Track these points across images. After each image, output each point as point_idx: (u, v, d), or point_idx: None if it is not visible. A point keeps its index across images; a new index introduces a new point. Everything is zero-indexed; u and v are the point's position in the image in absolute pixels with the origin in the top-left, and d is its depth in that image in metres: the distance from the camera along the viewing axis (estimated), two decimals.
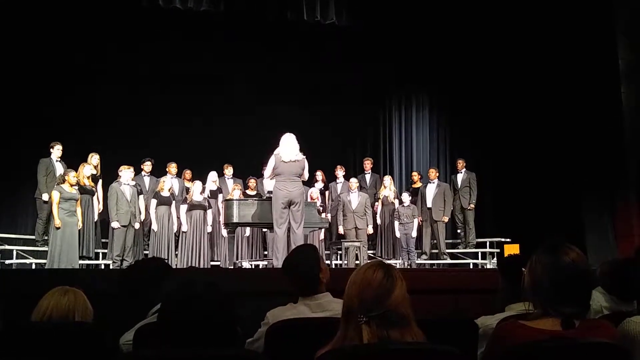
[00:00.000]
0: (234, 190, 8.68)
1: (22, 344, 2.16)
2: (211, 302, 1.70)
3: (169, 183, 8.57)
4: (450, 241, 9.84)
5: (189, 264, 8.13)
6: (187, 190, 8.85)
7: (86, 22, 8.95)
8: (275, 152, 6.48)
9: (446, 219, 9.30)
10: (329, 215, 9.08)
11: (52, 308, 2.33)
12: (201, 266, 8.12)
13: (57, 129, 8.89)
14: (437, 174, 9.56)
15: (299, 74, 10.46)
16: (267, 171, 6.61)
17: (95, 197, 8.16)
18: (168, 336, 1.68)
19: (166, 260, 2.90)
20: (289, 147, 6.46)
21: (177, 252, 8.44)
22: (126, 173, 8.15)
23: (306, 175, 6.75)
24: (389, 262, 2.29)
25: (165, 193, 8.42)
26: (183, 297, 1.71)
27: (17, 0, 8.29)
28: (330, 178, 9.82)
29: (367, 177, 10.00)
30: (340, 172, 9.75)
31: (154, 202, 8.37)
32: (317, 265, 2.60)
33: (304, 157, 6.56)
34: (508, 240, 8.87)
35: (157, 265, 2.80)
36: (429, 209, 9.26)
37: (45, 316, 2.31)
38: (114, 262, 7.90)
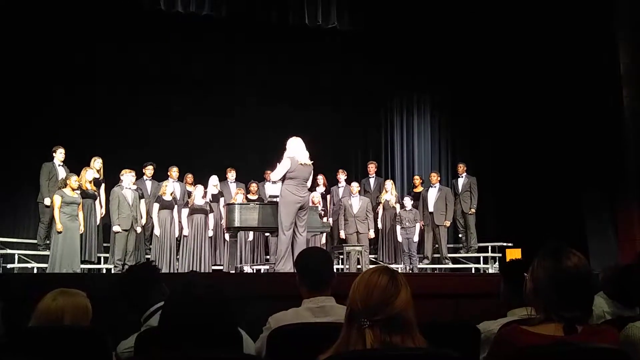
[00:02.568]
0: (237, 194, 8.68)
1: (23, 348, 2.16)
2: (212, 304, 1.70)
3: (171, 187, 8.57)
4: (452, 246, 9.83)
5: (191, 268, 8.12)
6: (189, 194, 8.85)
7: (88, 25, 8.97)
8: (289, 154, 6.34)
9: (448, 224, 9.29)
10: (330, 220, 9.07)
11: (43, 313, 2.32)
12: (203, 270, 8.11)
13: (59, 133, 8.89)
14: (439, 178, 9.56)
15: (301, 77, 10.48)
16: (279, 174, 6.35)
17: (97, 202, 8.17)
18: (170, 340, 1.68)
19: (154, 264, 2.93)
20: (303, 150, 6.39)
21: (178, 257, 8.44)
22: (128, 177, 8.16)
23: (310, 182, 6.73)
24: (390, 266, 2.29)
25: (168, 197, 8.42)
26: (184, 300, 1.71)
27: (18, 2, 8.32)
28: (331, 182, 9.82)
29: (372, 180, 10.00)
30: (342, 176, 9.74)
31: (156, 206, 8.37)
32: (332, 266, 2.67)
33: (312, 162, 6.52)
34: (510, 244, 8.86)
35: (145, 272, 2.82)
36: (431, 213, 9.25)
37: (40, 321, 2.31)
38: (115, 266, 7.89)
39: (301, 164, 6.30)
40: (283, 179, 6.41)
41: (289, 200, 6.28)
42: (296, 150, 6.37)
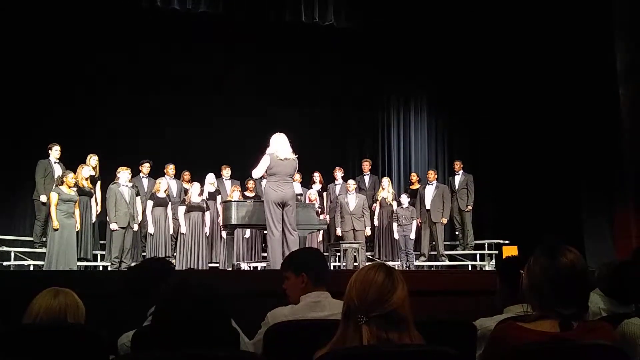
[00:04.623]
0: (233, 191, 8.67)
1: (17, 346, 2.15)
2: (205, 301, 1.70)
3: (165, 184, 8.55)
4: (448, 243, 9.85)
5: (188, 266, 8.12)
6: (186, 191, 8.84)
7: (85, 24, 8.95)
8: (269, 151, 6.30)
9: (445, 221, 9.31)
10: (327, 217, 9.07)
11: (43, 310, 2.32)
12: (200, 268, 8.10)
13: (55, 130, 8.89)
14: (436, 176, 9.57)
15: (298, 75, 10.47)
16: (259, 170, 6.31)
17: (93, 199, 8.16)
18: (163, 337, 1.68)
19: (168, 259, 2.90)
20: (284, 145, 6.32)
21: (175, 254, 8.43)
22: (124, 174, 8.15)
23: (297, 176, 6.66)
24: (387, 263, 2.31)
25: (162, 194, 8.40)
26: (175, 298, 1.71)
27: (17, 2, 8.30)
28: (328, 179, 9.82)
29: (366, 178, 10.01)
30: (339, 174, 9.74)
31: (150, 203, 8.36)
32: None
33: (296, 157, 6.48)
34: (506, 242, 8.88)
35: (158, 265, 2.80)
36: (428, 210, 9.27)
37: (38, 318, 2.31)
38: (112, 263, 7.89)
39: (281, 159, 6.24)
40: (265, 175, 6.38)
41: (270, 196, 6.23)
42: (276, 145, 6.30)
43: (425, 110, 11.45)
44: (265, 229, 8.19)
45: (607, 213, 8.12)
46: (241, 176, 9.49)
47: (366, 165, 10.07)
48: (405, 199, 9.15)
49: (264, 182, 9.29)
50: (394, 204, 9.36)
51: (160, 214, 8.33)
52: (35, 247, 8.10)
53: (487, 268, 8.99)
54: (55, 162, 8.17)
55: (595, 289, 3.08)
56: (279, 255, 6.20)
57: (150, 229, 8.29)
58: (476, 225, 9.57)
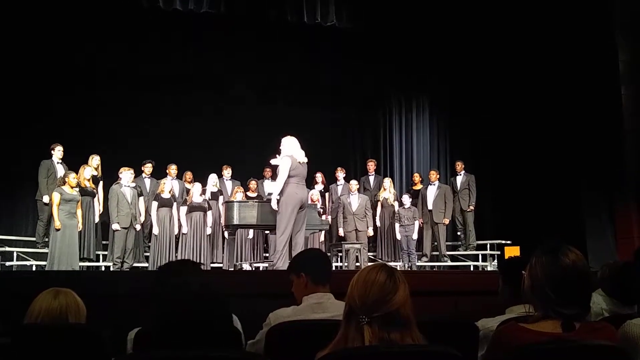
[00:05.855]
0: (236, 192, 8.67)
1: (18, 347, 2.16)
2: (205, 302, 1.70)
3: (169, 185, 8.56)
4: (450, 243, 9.84)
5: None
6: (188, 192, 8.84)
7: (87, 23, 8.94)
8: (287, 153, 6.33)
9: (447, 221, 9.30)
10: (329, 217, 9.07)
11: (44, 311, 2.32)
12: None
13: (58, 130, 8.89)
14: (438, 176, 9.56)
15: (300, 75, 10.46)
16: (284, 174, 6.25)
17: (95, 199, 8.16)
18: (165, 337, 1.68)
19: (198, 262, 2.85)
20: (299, 148, 6.39)
21: (177, 254, 8.43)
22: (126, 175, 8.15)
23: None
24: (389, 264, 2.31)
25: (166, 195, 8.41)
26: (177, 298, 1.71)
27: (17, 3, 8.31)
28: (330, 180, 9.82)
29: (371, 178, 9.99)
30: (340, 174, 9.74)
31: (154, 204, 8.37)
32: (330, 262, 2.76)
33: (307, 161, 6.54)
34: (509, 242, 8.87)
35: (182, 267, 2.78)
36: (430, 211, 9.26)
37: (39, 319, 2.31)
38: (114, 264, 7.89)
39: (300, 162, 6.30)
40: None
41: (291, 199, 6.24)
42: (293, 149, 6.37)
43: (427, 110, 11.43)
44: (267, 230, 8.22)
45: (609, 213, 8.12)
46: (243, 176, 9.49)
47: (371, 166, 10.05)
48: (407, 200, 9.15)
49: (265, 182, 9.34)
50: (396, 204, 9.35)
51: (164, 215, 8.33)
52: (38, 248, 8.11)
53: (489, 268, 8.98)
54: (57, 163, 8.19)
55: (597, 290, 3.08)
56: (285, 255, 6.21)
57: (155, 230, 8.29)
58: (478, 225, 9.56)
